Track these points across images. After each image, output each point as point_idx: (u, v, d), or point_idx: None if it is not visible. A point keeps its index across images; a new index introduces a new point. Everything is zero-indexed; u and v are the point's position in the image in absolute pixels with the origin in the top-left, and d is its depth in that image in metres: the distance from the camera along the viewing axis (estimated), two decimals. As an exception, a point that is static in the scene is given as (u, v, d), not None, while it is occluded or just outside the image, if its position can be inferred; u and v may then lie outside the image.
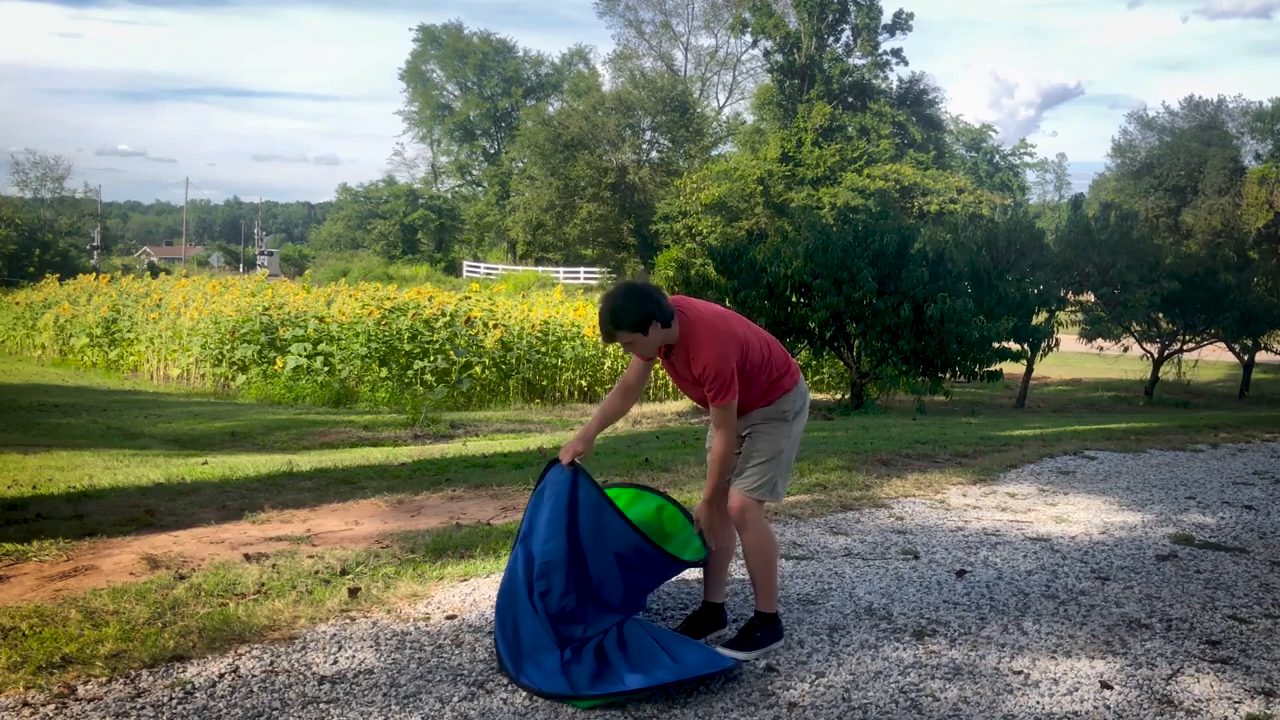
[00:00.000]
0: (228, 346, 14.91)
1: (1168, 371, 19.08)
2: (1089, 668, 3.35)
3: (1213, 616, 3.93)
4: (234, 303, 16.33)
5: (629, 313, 3.30)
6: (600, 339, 3.44)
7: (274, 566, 4.15)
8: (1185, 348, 19.00)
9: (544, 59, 65.18)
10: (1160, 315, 18.16)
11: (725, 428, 3.38)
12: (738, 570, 4.17)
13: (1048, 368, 19.86)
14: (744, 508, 3.44)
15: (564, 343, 15.60)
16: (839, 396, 15.04)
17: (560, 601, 3.27)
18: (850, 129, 47.46)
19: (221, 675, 3.08)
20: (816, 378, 16.38)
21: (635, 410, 11.72)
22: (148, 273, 39.68)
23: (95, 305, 19.07)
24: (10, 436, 8.59)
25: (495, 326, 15.08)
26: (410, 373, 14.07)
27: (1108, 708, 3.04)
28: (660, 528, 3.71)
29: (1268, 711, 3.04)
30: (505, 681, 3.13)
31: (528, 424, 11.51)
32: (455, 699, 3.00)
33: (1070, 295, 17.29)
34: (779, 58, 49.40)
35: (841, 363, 14.62)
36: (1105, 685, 3.21)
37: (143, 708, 2.84)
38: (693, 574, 4.26)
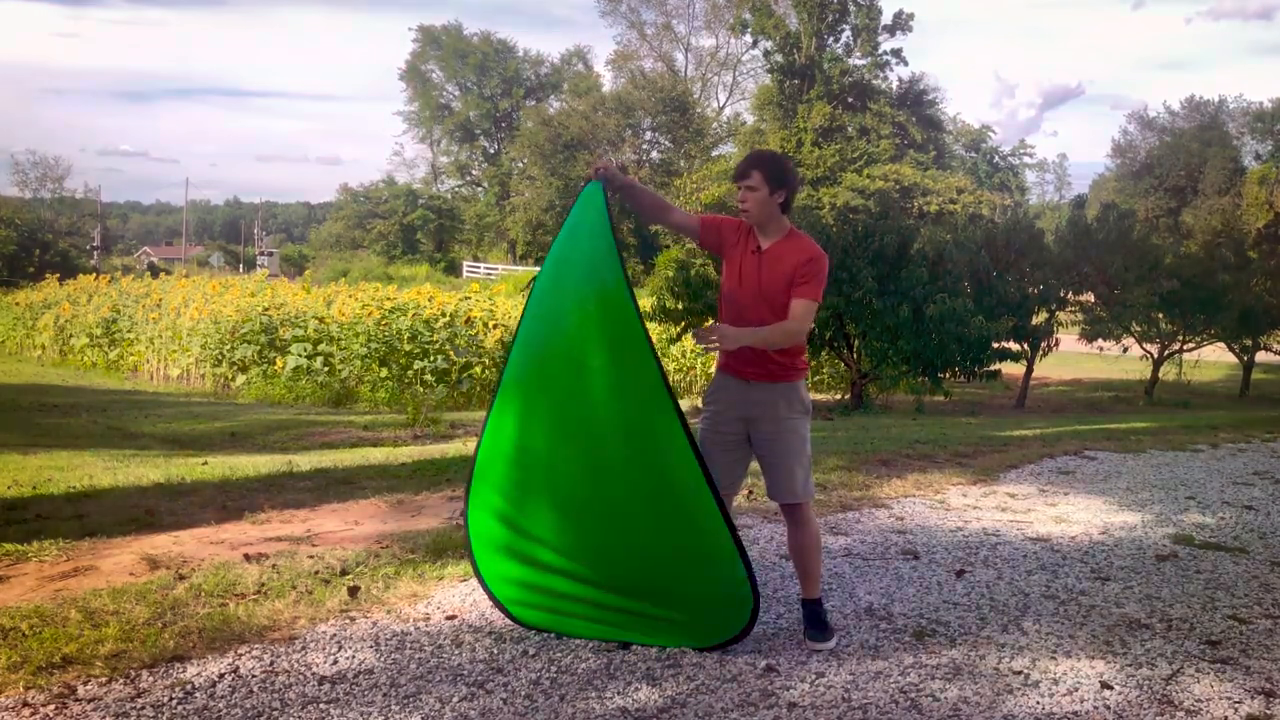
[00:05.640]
0: (228, 347, 14.90)
1: (1168, 371, 19.06)
2: (1089, 668, 3.35)
3: (1213, 616, 3.93)
4: (234, 303, 16.30)
5: (778, 166, 3.44)
6: None
7: (274, 566, 4.15)
8: (1185, 348, 18.98)
9: (544, 59, 65.22)
10: (1160, 315, 18.15)
11: (806, 321, 3.38)
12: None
13: (1048, 368, 19.85)
14: (802, 506, 3.50)
15: (564, 343, 15.55)
16: (839, 396, 15.05)
17: None
18: (850, 129, 47.47)
19: (221, 675, 3.08)
20: (816, 378, 16.37)
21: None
22: (148, 273, 39.63)
23: (95, 305, 19.04)
24: (10, 436, 8.58)
25: (495, 326, 15.06)
26: (410, 373, 14.06)
27: (1108, 708, 3.04)
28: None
29: (1268, 711, 3.04)
30: (505, 681, 3.13)
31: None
32: (455, 699, 3.00)
33: (1070, 295, 17.28)
34: (779, 58, 49.39)
35: (841, 363, 14.61)
36: (1105, 685, 3.20)
37: (143, 708, 2.84)
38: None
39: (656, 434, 3.24)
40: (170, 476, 6.31)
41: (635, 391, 3.26)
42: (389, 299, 16.15)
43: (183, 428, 9.99)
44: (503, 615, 3.61)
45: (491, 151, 64.08)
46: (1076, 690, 3.17)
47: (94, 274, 28.81)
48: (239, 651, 3.26)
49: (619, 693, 3.06)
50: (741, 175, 3.42)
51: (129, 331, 17.63)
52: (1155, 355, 18.72)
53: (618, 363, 3.28)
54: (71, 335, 18.74)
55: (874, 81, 49.66)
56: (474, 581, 4.06)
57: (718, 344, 3.28)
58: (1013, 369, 15.10)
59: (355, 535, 4.83)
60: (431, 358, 14.21)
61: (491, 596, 3.61)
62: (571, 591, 3.46)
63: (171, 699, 2.91)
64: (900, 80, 51.62)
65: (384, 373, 13.99)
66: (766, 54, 50.72)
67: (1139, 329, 18.45)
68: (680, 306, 13.36)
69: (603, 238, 3.34)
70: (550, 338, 3.42)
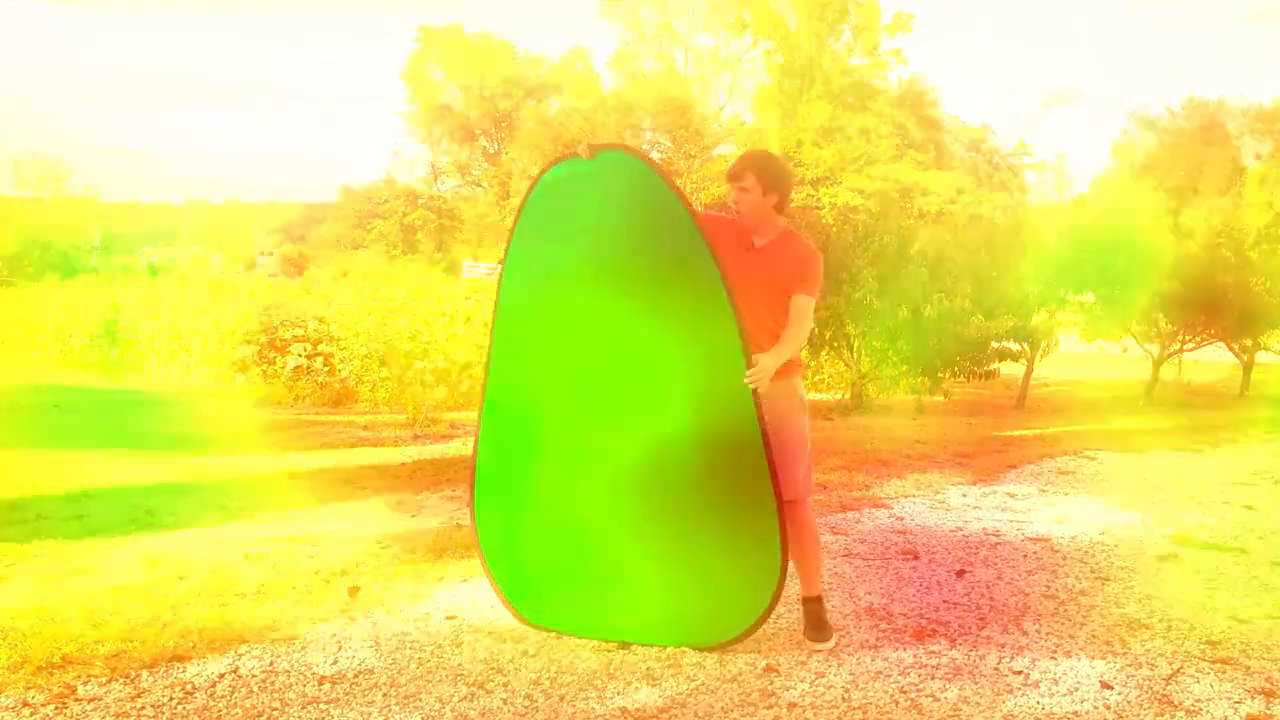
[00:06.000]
0: (228, 346, 14.90)
1: (1168, 371, 19.04)
2: (1089, 668, 3.35)
3: (1213, 616, 3.93)
4: (234, 303, 16.31)
5: (771, 168, 3.46)
6: None
7: (274, 566, 4.15)
8: (1185, 348, 18.97)
9: (544, 59, 65.18)
10: (1160, 315, 18.13)
11: (810, 318, 3.44)
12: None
13: (1048, 368, 19.85)
14: (800, 503, 3.49)
15: (564, 343, 15.55)
16: (839, 396, 15.03)
17: None
18: (850, 129, 47.46)
19: (221, 675, 3.08)
20: (817, 378, 16.34)
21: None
22: (148, 273, 39.60)
23: (95, 305, 19.04)
24: (10, 436, 8.58)
25: (495, 326, 15.03)
26: (410, 373, 14.06)
27: (1108, 708, 3.04)
28: None
29: (1268, 711, 3.04)
30: (505, 681, 3.13)
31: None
32: (455, 699, 3.00)
33: (1070, 295, 17.26)
34: (779, 58, 49.39)
35: (841, 363, 14.61)
36: (1105, 685, 3.20)
37: (143, 708, 2.84)
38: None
39: (727, 413, 3.28)
40: (170, 476, 6.31)
41: (714, 376, 3.30)
42: (389, 299, 16.14)
43: (183, 428, 9.99)
44: (506, 615, 3.61)
45: (491, 151, 64.06)
46: (1076, 690, 3.16)
47: (94, 274, 28.80)
48: (239, 651, 3.26)
49: (619, 693, 3.06)
50: (735, 176, 3.45)
51: (129, 331, 17.63)
52: (1155, 355, 18.71)
53: (693, 343, 3.33)
54: (71, 335, 18.73)
55: (874, 81, 49.66)
56: (474, 581, 4.06)
57: (761, 381, 3.22)
58: (1013, 369, 15.09)
59: (355, 535, 4.83)
60: (431, 358, 14.20)
61: (501, 597, 3.61)
62: (583, 586, 3.44)
63: (171, 699, 2.91)
64: (900, 80, 51.67)
65: (384, 373, 13.98)
66: (767, 54, 50.71)
67: (1139, 329, 18.43)
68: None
69: (661, 215, 3.36)
70: (573, 325, 3.42)
